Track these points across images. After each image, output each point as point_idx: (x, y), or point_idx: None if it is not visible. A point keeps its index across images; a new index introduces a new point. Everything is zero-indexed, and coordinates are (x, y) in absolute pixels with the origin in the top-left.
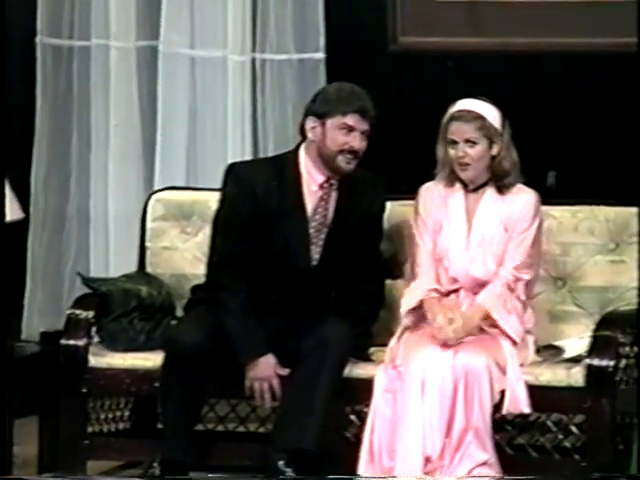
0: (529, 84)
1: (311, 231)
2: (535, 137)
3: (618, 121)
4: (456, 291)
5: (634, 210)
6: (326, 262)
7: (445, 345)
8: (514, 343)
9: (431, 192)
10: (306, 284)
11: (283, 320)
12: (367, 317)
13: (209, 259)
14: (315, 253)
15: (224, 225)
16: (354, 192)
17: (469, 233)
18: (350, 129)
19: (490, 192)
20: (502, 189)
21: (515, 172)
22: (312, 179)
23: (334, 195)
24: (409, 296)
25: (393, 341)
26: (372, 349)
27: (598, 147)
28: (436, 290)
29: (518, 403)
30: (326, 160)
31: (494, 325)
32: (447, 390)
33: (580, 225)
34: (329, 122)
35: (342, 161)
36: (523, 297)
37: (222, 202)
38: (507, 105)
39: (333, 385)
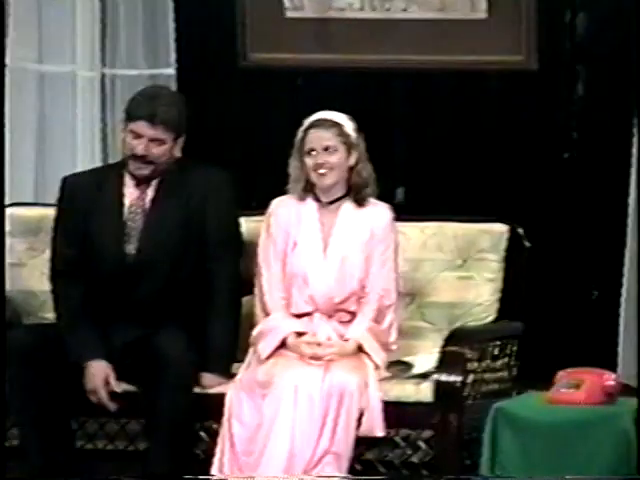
0: (378, 101)
1: (128, 226)
2: (383, 153)
3: (466, 138)
4: (309, 314)
5: (481, 226)
6: (144, 259)
7: (316, 358)
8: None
9: (283, 206)
10: (129, 281)
11: (142, 328)
12: (220, 331)
13: None
14: (131, 250)
15: (53, 235)
16: (174, 190)
17: (325, 251)
18: (137, 135)
19: (346, 207)
20: (360, 202)
21: (372, 184)
22: (131, 180)
23: (150, 194)
24: (266, 339)
25: (247, 359)
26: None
27: (446, 164)
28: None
29: (374, 427)
30: (126, 163)
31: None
32: (317, 411)
33: (428, 241)
34: (124, 126)
35: (132, 166)
36: (388, 324)
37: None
38: (356, 122)
39: (177, 406)
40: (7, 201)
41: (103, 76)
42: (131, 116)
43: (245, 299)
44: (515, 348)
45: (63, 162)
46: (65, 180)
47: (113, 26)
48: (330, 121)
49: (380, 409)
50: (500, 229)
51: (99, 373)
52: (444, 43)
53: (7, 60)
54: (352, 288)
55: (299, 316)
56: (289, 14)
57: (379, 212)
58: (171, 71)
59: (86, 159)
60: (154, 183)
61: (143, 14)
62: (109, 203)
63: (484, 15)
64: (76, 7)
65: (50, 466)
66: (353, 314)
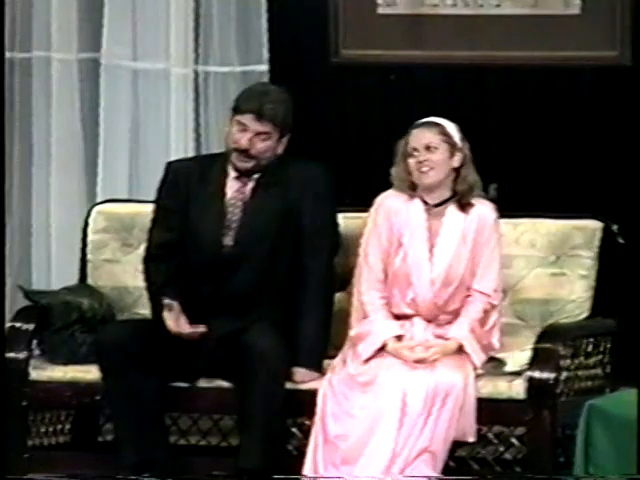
0: (470, 97)
1: (227, 218)
2: (476, 150)
3: (559, 134)
4: (408, 316)
5: (575, 223)
6: (240, 251)
7: (420, 361)
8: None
9: (391, 202)
10: (224, 273)
11: (235, 321)
12: (312, 326)
13: None
14: (228, 241)
15: (152, 219)
16: (273, 184)
17: (431, 252)
18: (243, 128)
19: (451, 209)
20: (465, 206)
21: (478, 189)
22: (233, 172)
23: (250, 187)
24: (365, 342)
25: (340, 356)
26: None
27: (539, 160)
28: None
29: (467, 432)
30: (230, 155)
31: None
32: (422, 411)
33: (521, 238)
34: (231, 118)
35: (235, 158)
36: (491, 326)
37: None
38: (448, 118)
39: (269, 402)
40: (101, 198)
41: (196, 73)
42: (239, 109)
43: (338, 295)
44: (609, 345)
45: (157, 159)
46: (169, 165)
47: (206, 23)
48: (432, 122)
49: (474, 414)
50: (594, 226)
51: (170, 322)
52: (537, 39)
53: (102, 58)
54: (455, 290)
55: (398, 317)
56: (381, 10)
57: (484, 213)
58: (264, 68)
59: (179, 156)
60: (255, 177)
61: (236, 11)
62: (210, 193)
63: (577, 10)
64: (170, 5)
65: (144, 462)
66: (454, 314)
